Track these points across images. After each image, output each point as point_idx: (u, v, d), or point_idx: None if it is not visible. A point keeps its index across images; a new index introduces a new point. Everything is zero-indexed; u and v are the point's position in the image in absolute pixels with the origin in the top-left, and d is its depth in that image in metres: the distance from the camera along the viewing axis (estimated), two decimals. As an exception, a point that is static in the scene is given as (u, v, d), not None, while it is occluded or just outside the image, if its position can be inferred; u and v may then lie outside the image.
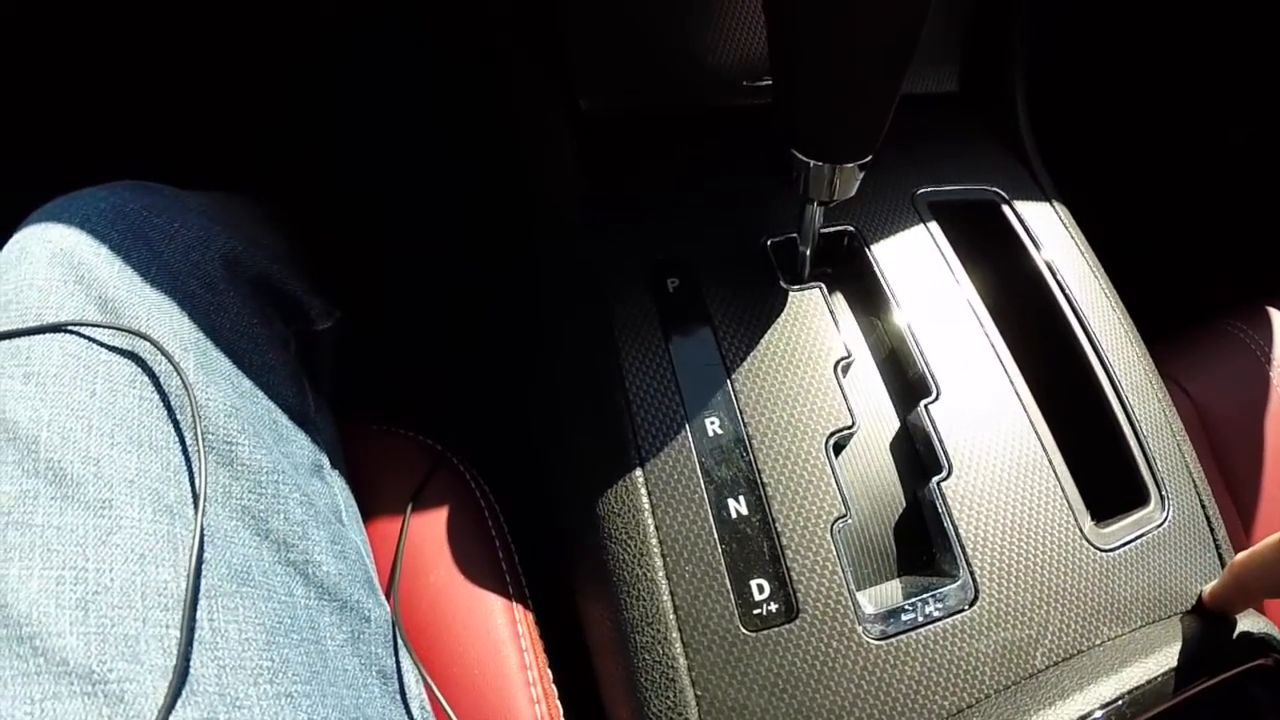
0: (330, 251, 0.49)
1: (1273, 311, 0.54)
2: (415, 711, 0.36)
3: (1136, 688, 0.32)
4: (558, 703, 0.38)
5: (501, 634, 0.38)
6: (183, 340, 0.34)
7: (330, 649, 0.33)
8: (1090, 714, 0.31)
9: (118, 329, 0.31)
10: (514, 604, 0.39)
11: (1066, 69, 0.76)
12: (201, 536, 0.29)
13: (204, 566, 0.29)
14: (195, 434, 0.31)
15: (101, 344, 0.31)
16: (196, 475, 0.31)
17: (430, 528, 0.40)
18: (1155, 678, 0.32)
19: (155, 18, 0.58)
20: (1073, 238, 0.45)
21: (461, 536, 0.40)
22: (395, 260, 0.73)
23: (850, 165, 0.33)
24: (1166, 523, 0.37)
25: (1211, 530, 0.38)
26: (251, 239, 0.40)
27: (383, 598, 0.37)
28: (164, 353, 0.32)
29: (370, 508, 0.40)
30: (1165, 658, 0.33)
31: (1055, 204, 0.46)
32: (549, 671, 0.38)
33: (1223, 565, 0.38)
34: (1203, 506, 0.38)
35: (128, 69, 0.60)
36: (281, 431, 0.37)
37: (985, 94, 0.51)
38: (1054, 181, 0.47)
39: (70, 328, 0.31)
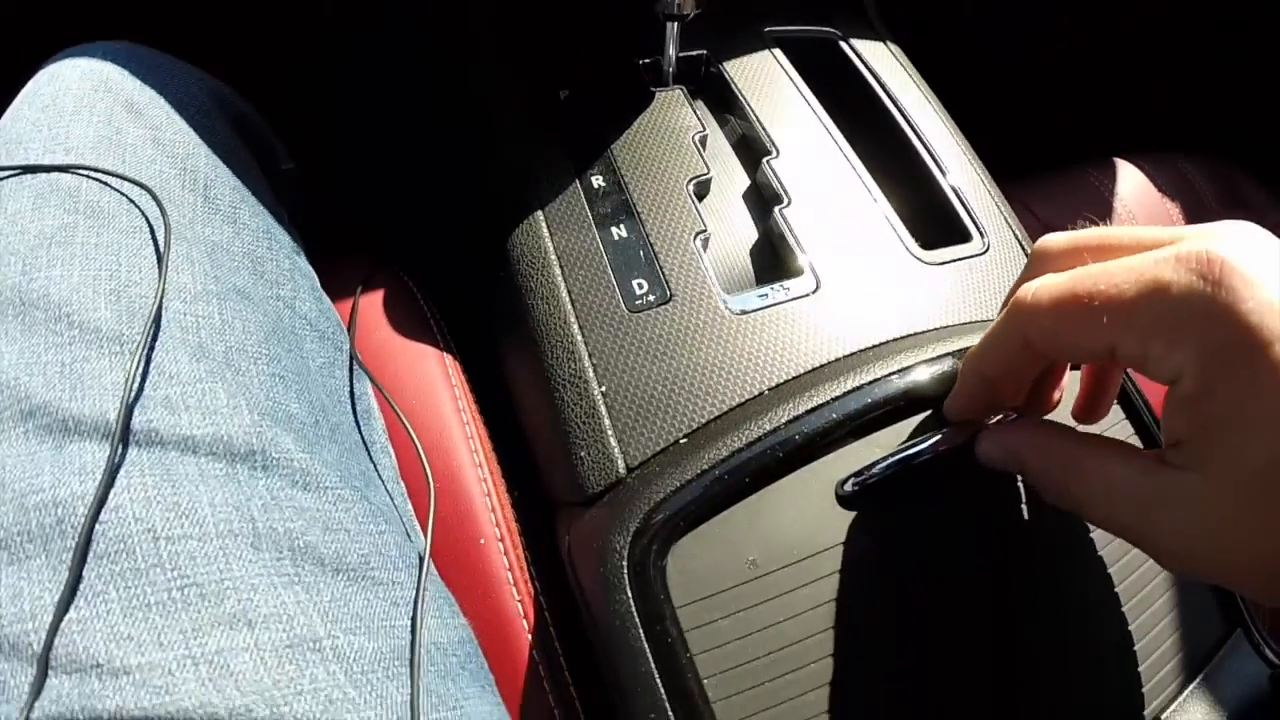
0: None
1: (1118, 161, 0.62)
2: (376, 430, 0.42)
3: (965, 348, 0.38)
4: (487, 441, 0.44)
5: (436, 382, 0.44)
6: (191, 142, 0.41)
7: (312, 367, 0.40)
8: (934, 360, 0.37)
9: (125, 179, 0.37)
10: (444, 354, 0.45)
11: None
12: (167, 246, 0.35)
13: (212, 281, 0.36)
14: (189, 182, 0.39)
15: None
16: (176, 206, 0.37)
17: (372, 305, 0.47)
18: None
19: (153, 17, 0.63)
20: (903, 66, 0.53)
21: (399, 312, 0.46)
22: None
23: None
24: (987, 253, 0.44)
25: (1032, 263, 0.45)
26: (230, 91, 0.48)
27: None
28: (156, 198, 0.37)
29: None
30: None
31: (889, 44, 0.54)
32: (477, 412, 0.44)
33: (1048, 293, 0.44)
34: (1020, 245, 0.45)
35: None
36: (268, 216, 0.44)
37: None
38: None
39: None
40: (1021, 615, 0.35)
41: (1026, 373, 0.29)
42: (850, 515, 0.35)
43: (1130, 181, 0.61)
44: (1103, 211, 0.58)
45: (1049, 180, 0.60)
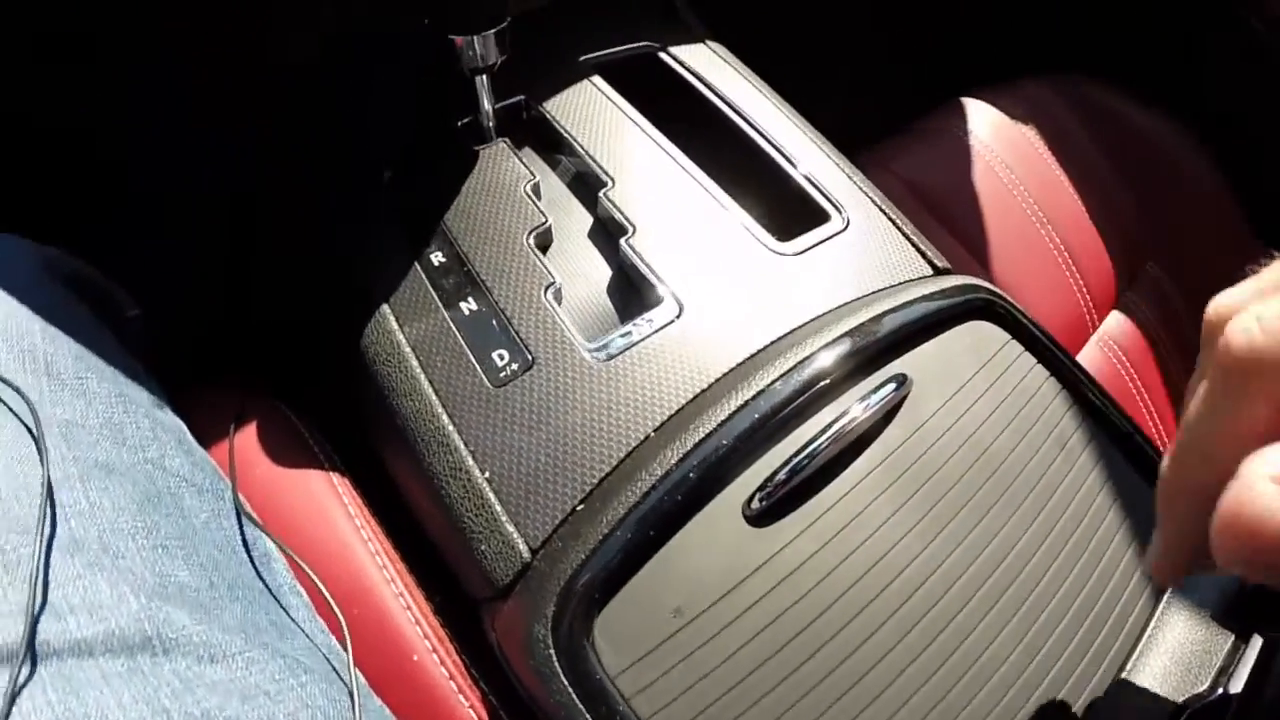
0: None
1: (964, 100, 0.63)
2: (279, 572, 0.40)
3: (861, 325, 0.38)
4: (394, 552, 0.42)
5: (329, 506, 0.42)
6: (23, 318, 0.39)
7: (196, 524, 0.37)
8: (816, 354, 0.36)
9: None
10: (331, 474, 0.43)
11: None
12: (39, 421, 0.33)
13: (71, 463, 0.34)
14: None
15: None
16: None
17: (248, 441, 0.44)
18: (872, 319, 0.38)
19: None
20: (726, 61, 0.52)
21: (277, 443, 0.44)
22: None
23: (488, 33, 0.41)
24: (849, 228, 0.43)
25: (898, 227, 0.44)
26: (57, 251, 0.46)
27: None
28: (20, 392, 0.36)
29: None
30: (883, 306, 0.39)
31: (709, 43, 0.53)
32: (378, 526, 0.42)
33: (920, 252, 0.44)
34: (882, 211, 0.45)
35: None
36: (120, 377, 0.42)
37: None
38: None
39: None
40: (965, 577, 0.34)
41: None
42: (766, 531, 0.34)
43: (981, 118, 0.61)
44: (962, 154, 0.58)
45: (899, 138, 0.60)
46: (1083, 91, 0.65)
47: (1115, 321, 0.59)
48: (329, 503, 0.42)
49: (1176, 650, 0.35)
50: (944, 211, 0.56)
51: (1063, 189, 0.60)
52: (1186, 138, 0.67)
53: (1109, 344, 0.58)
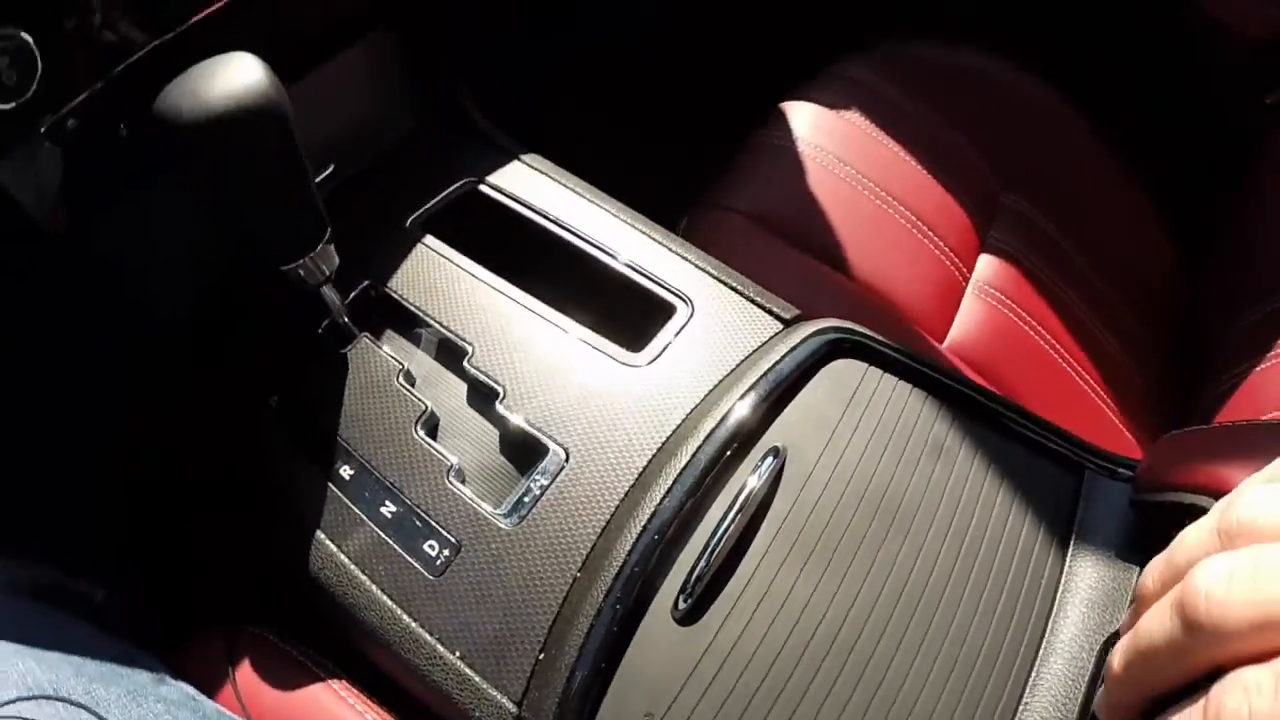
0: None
1: (783, 105, 0.66)
2: None
3: (724, 415, 0.42)
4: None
5: (344, 714, 0.46)
6: (12, 653, 0.43)
7: None
8: (691, 460, 0.41)
9: None
10: (329, 681, 0.47)
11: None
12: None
13: None
14: None
15: None
16: None
17: (246, 678, 0.49)
18: (732, 406, 0.42)
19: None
20: (542, 172, 0.55)
21: (270, 670, 0.48)
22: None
23: (318, 248, 0.44)
24: (695, 314, 0.48)
25: (740, 293, 0.48)
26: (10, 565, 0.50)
27: None
28: None
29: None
30: (742, 387, 0.43)
31: (521, 156, 0.56)
32: (390, 715, 0.46)
33: (766, 310, 0.48)
34: (722, 283, 0.49)
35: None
36: (119, 670, 0.46)
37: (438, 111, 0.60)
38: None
39: None
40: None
41: None
42: (697, 626, 0.38)
43: (802, 120, 0.64)
44: (793, 165, 0.62)
45: (734, 168, 0.63)
46: (892, 54, 0.69)
47: (985, 265, 0.63)
48: (341, 711, 0.46)
49: (1090, 595, 0.39)
50: (792, 230, 0.59)
51: (898, 159, 0.64)
52: (1007, 63, 0.70)
53: (986, 290, 0.62)
